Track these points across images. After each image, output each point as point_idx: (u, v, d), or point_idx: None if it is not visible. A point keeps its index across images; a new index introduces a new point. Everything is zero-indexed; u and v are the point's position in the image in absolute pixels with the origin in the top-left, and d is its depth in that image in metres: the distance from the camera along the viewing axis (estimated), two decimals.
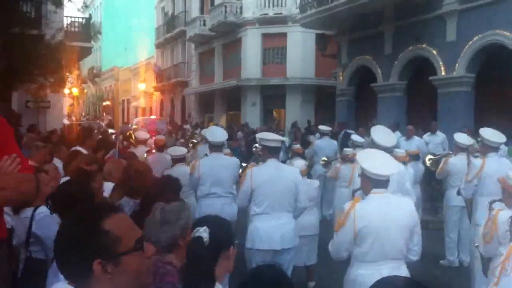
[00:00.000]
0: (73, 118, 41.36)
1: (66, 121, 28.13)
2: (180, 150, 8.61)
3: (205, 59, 33.84)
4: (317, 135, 14.67)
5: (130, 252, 1.67)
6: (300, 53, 26.33)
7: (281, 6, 26.70)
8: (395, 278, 1.78)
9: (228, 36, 29.51)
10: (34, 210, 3.74)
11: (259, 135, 6.44)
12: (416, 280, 1.65)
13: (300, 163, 7.51)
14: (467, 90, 14.41)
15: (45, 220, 3.60)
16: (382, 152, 4.36)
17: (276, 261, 5.44)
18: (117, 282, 1.63)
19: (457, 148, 8.34)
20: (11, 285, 3.13)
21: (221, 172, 6.75)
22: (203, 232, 2.36)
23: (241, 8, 27.80)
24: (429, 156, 10.06)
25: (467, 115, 14.16)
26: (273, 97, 27.59)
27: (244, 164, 8.40)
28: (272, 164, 5.66)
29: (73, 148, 7.69)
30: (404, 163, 7.83)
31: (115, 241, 1.63)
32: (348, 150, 9.63)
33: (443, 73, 14.89)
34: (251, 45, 27.57)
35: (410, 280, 1.67)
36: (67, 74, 20.33)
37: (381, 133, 6.19)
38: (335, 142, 12.95)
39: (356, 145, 10.15)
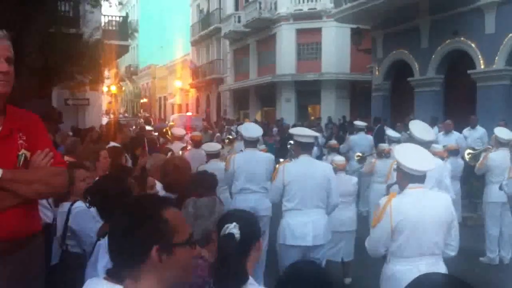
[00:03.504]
0: (111, 116, 42.07)
1: (104, 119, 28.60)
2: (214, 146, 8.67)
3: (240, 55, 33.94)
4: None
5: (184, 244, 1.70)
6: (335, 48, 26.16)
7: (315, 1, 26.59)
8: (435, 275, 1.74)
9: (262, 32, 29.51)
10: (71, 205, 3.82)
11: (292, 131, 6.41)
12: (456, 277, 1.61)
13: (340, 158, 7.45)
14: (507, 84, 14.05)
15: (81, 215, 3.68)
16: (420, 147, 4.30)
17: (309, 257, 5.43)
18: (166, 273, 1.66)
19: (497, 143, 8.16)
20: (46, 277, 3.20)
21: (255, 168, 6.78)
22: (234, 229, 2.36)
23: (275, 4, 27.78)
24: (468, 151, 9.87)
25: (507, 109, 13.80)
26: (308, 93, 27.49)
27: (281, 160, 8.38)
28: (304, 160, 5.63)
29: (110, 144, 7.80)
30: (442, 158, 7.70)
31: (172, 231, 1.67)
32: (384, 145, 9.53)
33: (482, 67, 14.56)
34: (286, 41, 27.52)
35: (451, 278, 1.62)
36: (105, 72, 20.68)
37: (419, 127, 6.07)
38: (370, 137, 12.82)
39: (391, 140, 10.03)
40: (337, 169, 7.04)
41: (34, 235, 2.78)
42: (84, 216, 3.61)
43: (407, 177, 3.97)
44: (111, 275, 2.46)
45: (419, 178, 3.96)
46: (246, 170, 6.76)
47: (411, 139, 5.81)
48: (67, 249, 3.77)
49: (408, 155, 4.03)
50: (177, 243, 1.67)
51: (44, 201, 3.42)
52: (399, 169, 4.05)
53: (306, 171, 5.53)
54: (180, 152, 9.86)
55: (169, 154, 7.81)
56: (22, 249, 2.63)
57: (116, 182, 3.15)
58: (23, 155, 2.68)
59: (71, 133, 11.81)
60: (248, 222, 2.49)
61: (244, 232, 2.38)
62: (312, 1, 26.73)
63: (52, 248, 3.78)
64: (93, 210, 3.42)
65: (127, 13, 27.89)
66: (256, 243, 2.53)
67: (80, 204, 3.73)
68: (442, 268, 3.88)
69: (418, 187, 3.95)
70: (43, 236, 2.97)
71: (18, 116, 2.77)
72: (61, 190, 2.88)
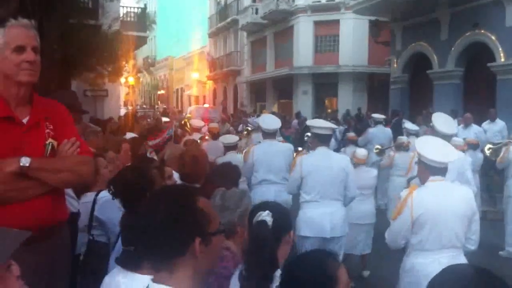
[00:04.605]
0: (129, 107, 42.41)
1: (122, 110, 28.77)
2: (232, 138, 8.67)
3: (257, 47, 33.89)
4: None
5: (218, 233, 1.69)
6: (353, 40, 25.98)
7: None
8: (462, 266, 1.72)
9: (280, 24, 29.42)
10: (97, 195, 3.86)
11: (310, 122, 6.39)
12: (485, 268, 1.60)
13: (362, 152, 7.42)
14: None
15: (107, 204, 3.69)
16: (441, 140, 4.26)
17: (326, 249, 5.42)
18: (201, 263, 1.63)
19: None
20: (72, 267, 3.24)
21: (275, 158, 6.73)
22: (267, 216, 2.37)
23: None
24: (489, 146, 9.77)
25: None
26: (325, 85, 27.37)
27: (300, 149, 8.37)
28: (321, 152, 5.61)
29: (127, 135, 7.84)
30: (462, 151, 7.65)
31: (208, 221, 1.64)
32: (403, 138, 9.48)
33: (502, 60, 14.39)
34: (303, 33, 27.39)
35: (478, 268, 1.60)
36: (124, 63, 20.77)
37: (442, 120, 6.02)
38: (388, 130, 12.76)
39: (409, 133, 9.98)
40: (358, 162, 7.04)
41: (61, 224, 2.81)
42: (110, 206, 3.63)
43: (429, 170, 3.95)
44: (126, 266, 2.47)
45: (441, 170, 3.93)
46: (265, 161, 6.72)
47: (434, 131, 5.76)
48: (93, 239, 3.81)
49: (429, 147, 4.00)
50: (213, 233, 1.65)
51: (69, 191, 3.46)
52: (420, 161, 4.03)
53: (323, 163, 5.52)
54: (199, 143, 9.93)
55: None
56: (50, 238, 2.66)
57: (140, 173, 3.16)
58: (50, 144, 2.71)
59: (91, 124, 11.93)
60: (280, 213, 2.50)
61: (276, 221, 2.39)
62: None
63: (77, 238, 3.82)
64: (117, 200, 3.46)
65: (145, 5, 28.00)
66: (286, 235, 2.55)
67: (105, 194, 3.75)
68: (463, 261, 3.85)
69: (440, 180, 3.92)
70: (69, 225, 3.01)
71: (45, 105, 2.80)
72: (88, 179, 2.91)
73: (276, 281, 2.31)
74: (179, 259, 1.60)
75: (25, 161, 2.52)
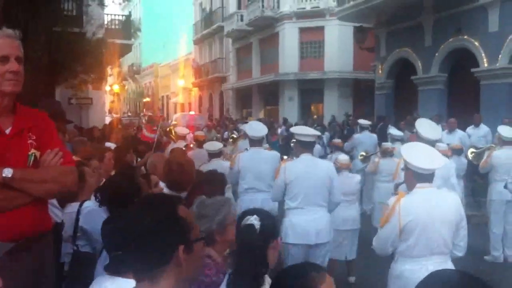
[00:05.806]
0: (114, 115, 42.11)
1: (107, 118, 28.58)
2: (215, 145, 8.64)
3: (242, 54, 33.94)
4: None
5: (200, 240, 1.69)
6: (338, 46, 26.13)
7: None
8: (448, 272, 1.73)
9: (265, 31, 29.51)
10: (81, 205, 3.83)
11: (293, 130, 6.42)
12: (470, 273, 1.61)
13: (344, 157, 7.45)
14: (510, 82, 14.00)
15: (92, 214, 3.66)
16: (427, 146, 4.29)
17: (311, 255, 5.45)
18: (184, 271, 1.62)
19: (501, 141, 8.16)
20: (56, 277, 3.21)
21: (261, 166, 6.73)
22: (254, 220, 2.40)
23: (278, 2, 27.77)
24: (471, 150, 9.85)
25: (510, 107, 13.77)
26: (310, 91, 27.47)
27: (285, 157, 8.39)
28: (305, 159, 5.63)
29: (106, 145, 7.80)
30: (447, 157, 7.70)
31: (189, 229, 1.64)
32: (388, 144, 9.52)
33: (485, 65, 14.52)
34: (288, 40, 27.51)
35: (463, 273, 1.61)
36: (108, 70, 20.69)
37: (426, 125, 6.06)
38: (374, 136, 12.81)
39: (394, 139, 10.01)
40: (341, 167, 7.05)
41: (44, 234, 2.79)
42: (95, 215, 3.61)
43: (415, 176, 3.96)
44: (115, 271, 2.45)
45: (427, 177, 3.95)
46: (252, 169, 6.73)
47: (418, 137, 5.79)
48: (77, 249, 3.77)
49: (415, 153, 4.01)
50: (195, 240, 1.65)
51: (53, 200, 3.43)
52: (407, 168, 4.03)
53: (308, 169, 5.54)
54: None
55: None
56: (33, 247, 2.64)
57: (128, 180, 3.15)
58: (33, 154, 2.69)
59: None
60: (267, 219, 2.53)
61: (264, 227, 2.41)
62: None
63: (61, 247, 3.78)
64: (103, 209, 3.44)
65: (130, 12, 27.92)
66: (273, 241, 2.56)
67: (90, 204, 3.73)
68: (450, 267, 3.87)
69: (427, 187, 3.94)
70: (53, 234, 2.98)
71: (28, 115, 2.78)
72: (72, 189, 2.89)
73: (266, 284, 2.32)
74: (161, 268, 1.59)
75: (7, 172, 2.50)
